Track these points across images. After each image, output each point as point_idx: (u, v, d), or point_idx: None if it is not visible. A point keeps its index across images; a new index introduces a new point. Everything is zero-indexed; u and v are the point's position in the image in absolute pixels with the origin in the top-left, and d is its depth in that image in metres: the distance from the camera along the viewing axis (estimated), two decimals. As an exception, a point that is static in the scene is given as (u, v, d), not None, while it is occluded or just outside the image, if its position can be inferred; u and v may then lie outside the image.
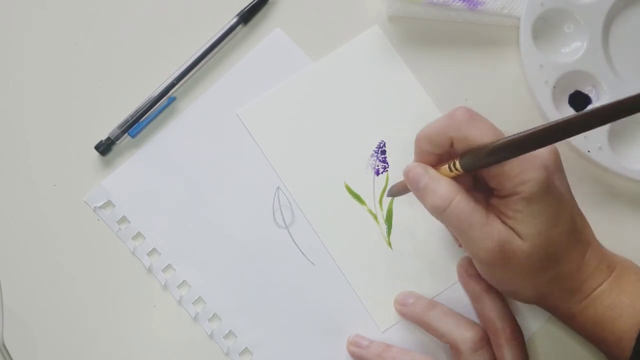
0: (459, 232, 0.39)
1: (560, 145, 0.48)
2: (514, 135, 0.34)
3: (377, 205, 0.48)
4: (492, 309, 0.43)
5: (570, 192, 0.40)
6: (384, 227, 0.47)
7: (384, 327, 0.46)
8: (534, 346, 0.46)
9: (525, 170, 0.36)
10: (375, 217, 0.48)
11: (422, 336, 0.46)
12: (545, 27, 0.48)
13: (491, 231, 0.38)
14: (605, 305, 0.39)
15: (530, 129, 0.32)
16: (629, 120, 0.46)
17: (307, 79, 0.49)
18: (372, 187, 0.48)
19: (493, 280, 0.42)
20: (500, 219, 0.38)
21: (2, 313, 0.46)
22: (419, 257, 0.47)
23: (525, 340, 0.44)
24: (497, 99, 0.49)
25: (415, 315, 0.45)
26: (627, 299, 0.39)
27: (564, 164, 0.48)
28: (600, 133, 0.46)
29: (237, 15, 0.49)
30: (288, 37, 0.49)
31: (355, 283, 0.47)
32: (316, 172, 0.48)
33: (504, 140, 0.35)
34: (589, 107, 0.28)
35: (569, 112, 0.48)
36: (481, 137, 0.37)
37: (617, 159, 0.46)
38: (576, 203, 0.41)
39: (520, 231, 0.38)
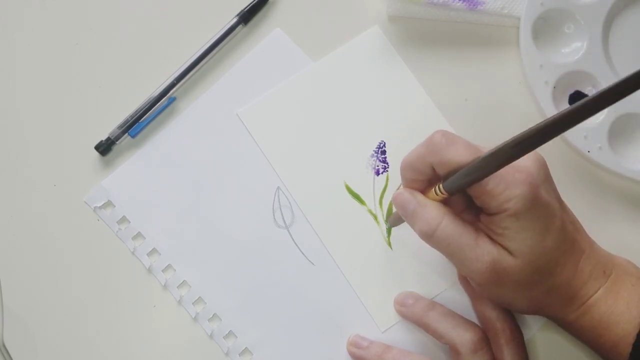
0: (449, 256, 0.39)
1: (559, 145, 0.48)
2: (487, 152, 0.34)
3: (377, 205, 0.48)
4: (491, 309, 0.43)
5: (560, 201, 0.40)
6: (384, 227, 0.47)
7: (384, 327, 0.46)
8: (533, 347, 0.46)
9: (509, 187, 0.36)
10: (375, 217, 0.47)
11: (422, 337, 0.46)
12: (545, 27, 0.48)
13: (481, 252, 0.38)
14: (601, 312, 0.39)
15: (499, 144, 0.32)
16: (628, 120, 0.46)
17: (307, 79, 0.49)
18: (372, 187, 0.48)
19: (487, 296, 0.42)
20: (490, 237, 0.38)
21: (2, 313, 0.46)
22: (419, 257, 0.47)
23: (525, 340, 0.44)
24: (497, 99, 0.49)
25: (414, 315, 0.45)
26: (623, 305, 0.39)
27: (564, 164, 0.48)
28: (600, 133, 0.46)
29: (237, 15, 0.49)
30: (288, 37, 0.49)
31: (355, 283, 0.47)
32: (316, 172, 0.48)
33: (478, 159, 0.35)
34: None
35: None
36: (459, 158, 0.37)
37: (617, 159, 0.46)
38: (568, 210, 0.41)
39: (510, 248, 0.38)
